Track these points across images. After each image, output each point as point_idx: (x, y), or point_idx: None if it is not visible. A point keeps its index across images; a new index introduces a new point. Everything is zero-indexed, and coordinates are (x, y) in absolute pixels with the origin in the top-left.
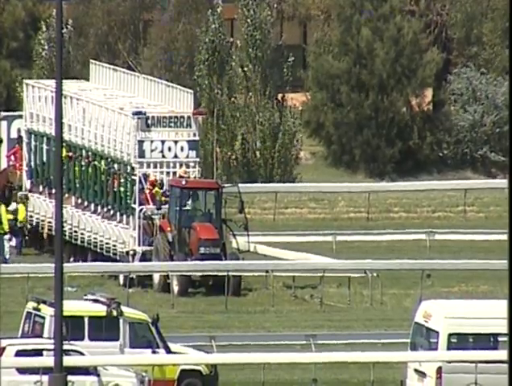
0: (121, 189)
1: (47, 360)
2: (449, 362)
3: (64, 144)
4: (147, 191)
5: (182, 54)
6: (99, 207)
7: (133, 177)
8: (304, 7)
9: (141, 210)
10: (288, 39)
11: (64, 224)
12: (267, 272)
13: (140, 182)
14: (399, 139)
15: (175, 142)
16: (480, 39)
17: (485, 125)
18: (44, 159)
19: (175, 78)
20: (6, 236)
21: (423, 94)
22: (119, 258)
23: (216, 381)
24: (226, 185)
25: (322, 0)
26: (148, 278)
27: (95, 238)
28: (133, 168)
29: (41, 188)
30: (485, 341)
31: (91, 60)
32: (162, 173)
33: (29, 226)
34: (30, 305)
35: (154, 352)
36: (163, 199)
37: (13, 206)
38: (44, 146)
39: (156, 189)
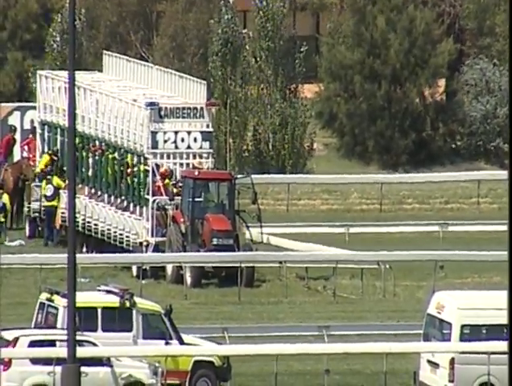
0: (135, 180)
1: (61, 351)
2: (462, 353)
3: (77, 135)
4: (160, 183)
5: (194, 44)
6: (112, 198)
7: (146, 168)
8: None
9: (154, 201)
10: (301, 30)
11: (77, 215)
12: (280, 263)
13: (153, 172)
14: (412, 130)
15: (189, 133)
16: (493, 30)
17: (498, 116)
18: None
19: (188, 69)
20: None
21: (436, 85)
22: (132, 249)
23: (229, 372)
24: (239, 176)
25: None
26: (161, 269)
27: (108, 229)
28: (146, 159)
29: None
30: (498, 332)
31: (104, 51)
32: (175, 164)
33: (43, 216)
34: (44, 296)
35: (167, 343)
36: (175, 189)
37: (50, 190)
38: (58, 137)
39: (166, 180)
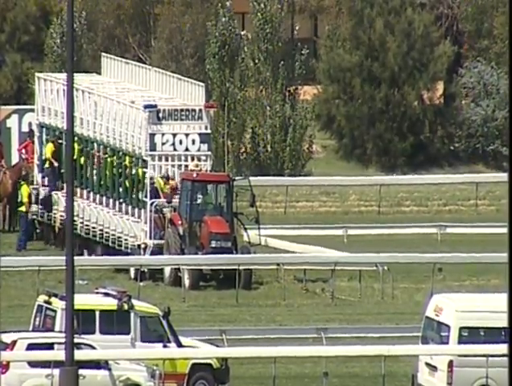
0: (133, 182)
1: (59, 354)
2: (460, 355)
3: (75, 138)
4: (168, 186)
5: (191, 46)
6: (110, 201)
7: (144, 170)
8: (315, 0)
9: (152, 203)
10: (299, 32)
11: (75, 218)
12: (278, 265)
13: (151, 177)
14: (411, 133)
15: (187, 135)
16: (491, 32)
17: (497, 119)
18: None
19: (186, 71)
20: None
21: (435, 87)
22: (130, 251)
23: (227, 375)
24: (237, 178)
25: None
26: (159, 272)
27: (106, 231)
28: (144, 161)
29: None
30: (496, 335)
31: (102, 54)
32: (173, 166)
33: (40, 218)
34: (42, 298)
35: (165, 346)
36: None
37: (20, 196)
38: None
39: (164, 185)
